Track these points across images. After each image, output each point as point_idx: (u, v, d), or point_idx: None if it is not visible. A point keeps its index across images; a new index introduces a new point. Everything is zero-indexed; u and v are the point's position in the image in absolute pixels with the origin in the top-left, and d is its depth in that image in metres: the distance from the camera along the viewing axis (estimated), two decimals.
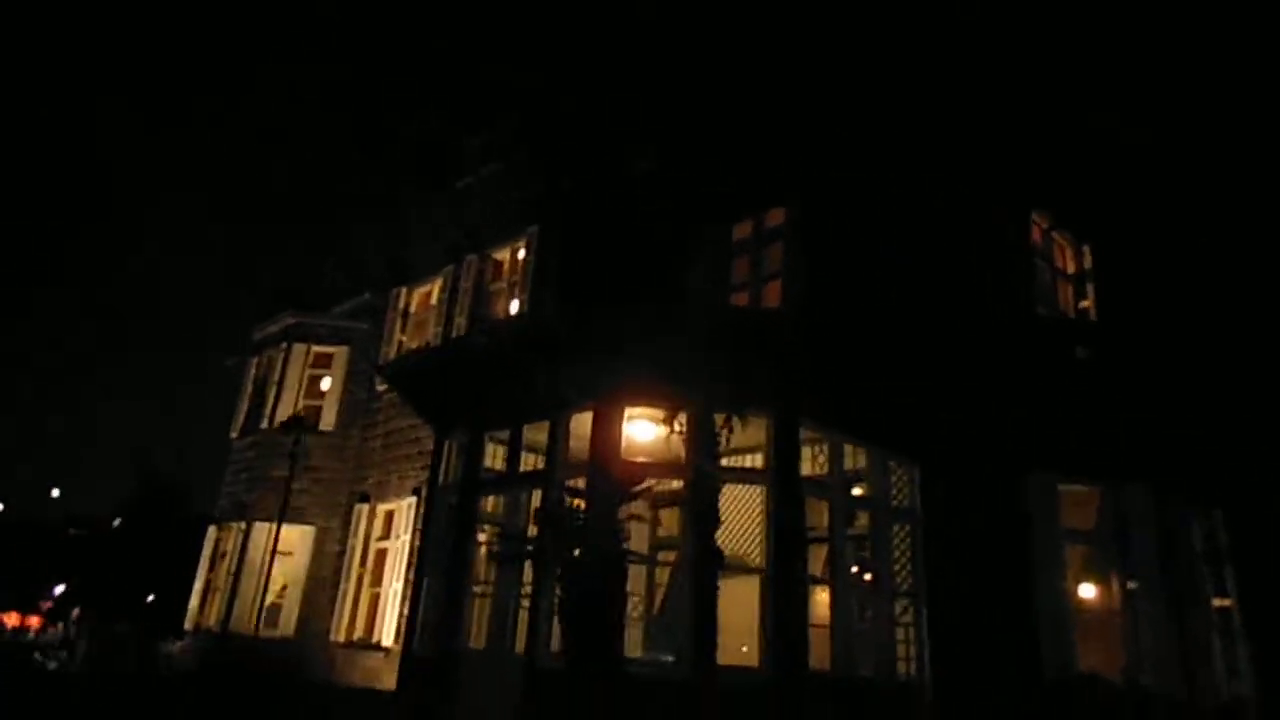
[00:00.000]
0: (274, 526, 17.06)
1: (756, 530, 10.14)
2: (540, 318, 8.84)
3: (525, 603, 8.30)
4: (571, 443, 8.74)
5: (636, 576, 12.29)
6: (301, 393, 18.36)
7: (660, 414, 7.99)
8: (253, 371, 19.47)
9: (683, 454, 8.04)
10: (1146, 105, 12.29)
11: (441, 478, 9.95)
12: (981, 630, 9.31)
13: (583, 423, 8.49)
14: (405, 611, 10.89)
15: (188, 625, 18.28)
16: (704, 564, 6.99)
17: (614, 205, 12.55)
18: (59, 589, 34.58)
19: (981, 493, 9.76)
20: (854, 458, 9.83)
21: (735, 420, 7.61)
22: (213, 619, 17.37)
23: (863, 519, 9.78)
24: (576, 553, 7.04)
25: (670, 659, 7.84)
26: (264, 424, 18.17)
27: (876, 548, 9.24)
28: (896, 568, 9.47)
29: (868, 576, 9.70)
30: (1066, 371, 10.84)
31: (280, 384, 18.35)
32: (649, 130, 12.78)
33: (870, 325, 9.46)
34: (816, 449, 9.62)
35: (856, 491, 9.60)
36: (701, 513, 7.14)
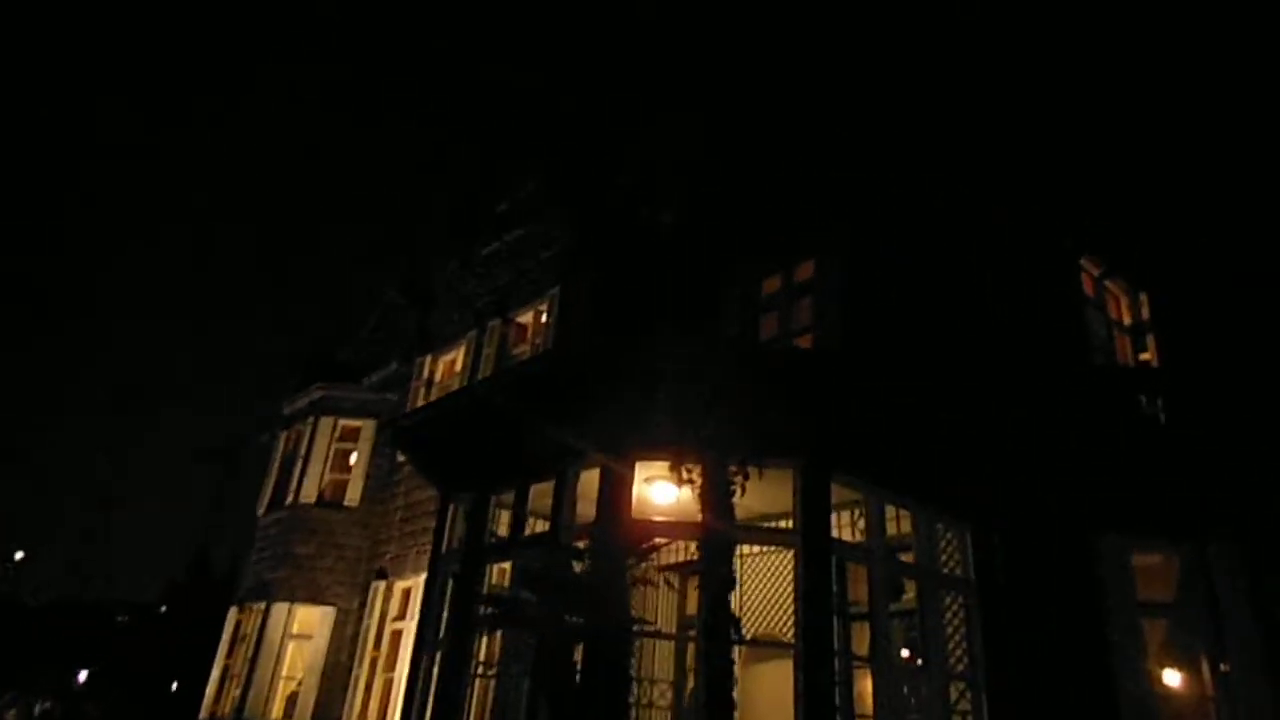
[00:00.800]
0: (292, 607, 16.43)
1: (788, 605, 9.08)
2: (543, 360, 8.07)
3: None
4: (580, 506, 7.88)
5: (664, 659, 11.19)
6: (328, 467, 17.78)
7: (673, 469, 7.09)
8: (281, 446, 18.97)
9: (699, 514, 7.09)
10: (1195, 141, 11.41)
11: (444, 545, 9.10)
12: (1052, 718, 8.02)
13: (592, 483, 7.64)
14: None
15: (203, 715, 17.36)
16: (715, 636, 5.96)
17: (637, 260, 11.92)
18: (83, 675, 34.02)
19: (1044, 558, 8.58)
20: (897, 524, 8.78)
21: (752, 470, 6.65)
22: (228, 708, 16.45)
23: (910, 593, 8.66)
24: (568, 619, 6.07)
25: None
26: (289, 499, 17.54)
27: (926, 622, 8.07)
28: (950, 646, 8.27)
29: (917, 660, 8.52)
30: (1132, 424, 9.71)
31: (307, 459, 17.80)
32: (673, 183, 12.20)
33: (910, 371, 8.50)
34: (856, 512, 8.61)
35: (902, 559, 8.50)
36: (713, 576, 6.14)
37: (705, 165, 12.18)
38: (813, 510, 7.26)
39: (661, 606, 11.52)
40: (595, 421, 7.54)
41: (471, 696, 8.22)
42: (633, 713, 10.40)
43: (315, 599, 16.57)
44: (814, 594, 7.05)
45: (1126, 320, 11.35)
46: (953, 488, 8.61)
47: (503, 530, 8.61)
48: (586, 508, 7.68)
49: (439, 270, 16.65)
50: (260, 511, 18.57)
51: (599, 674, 6.22)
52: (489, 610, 7.08)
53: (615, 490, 7.18)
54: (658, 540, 6.84)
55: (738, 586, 10.35)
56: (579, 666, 6.03)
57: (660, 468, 7.73)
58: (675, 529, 7.32)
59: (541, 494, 8.23)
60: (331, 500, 17.40)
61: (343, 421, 18.00)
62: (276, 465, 18.79)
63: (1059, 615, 8.32)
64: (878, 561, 7.81)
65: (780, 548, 9.96)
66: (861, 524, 8.27)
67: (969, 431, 8.72)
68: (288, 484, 17.94)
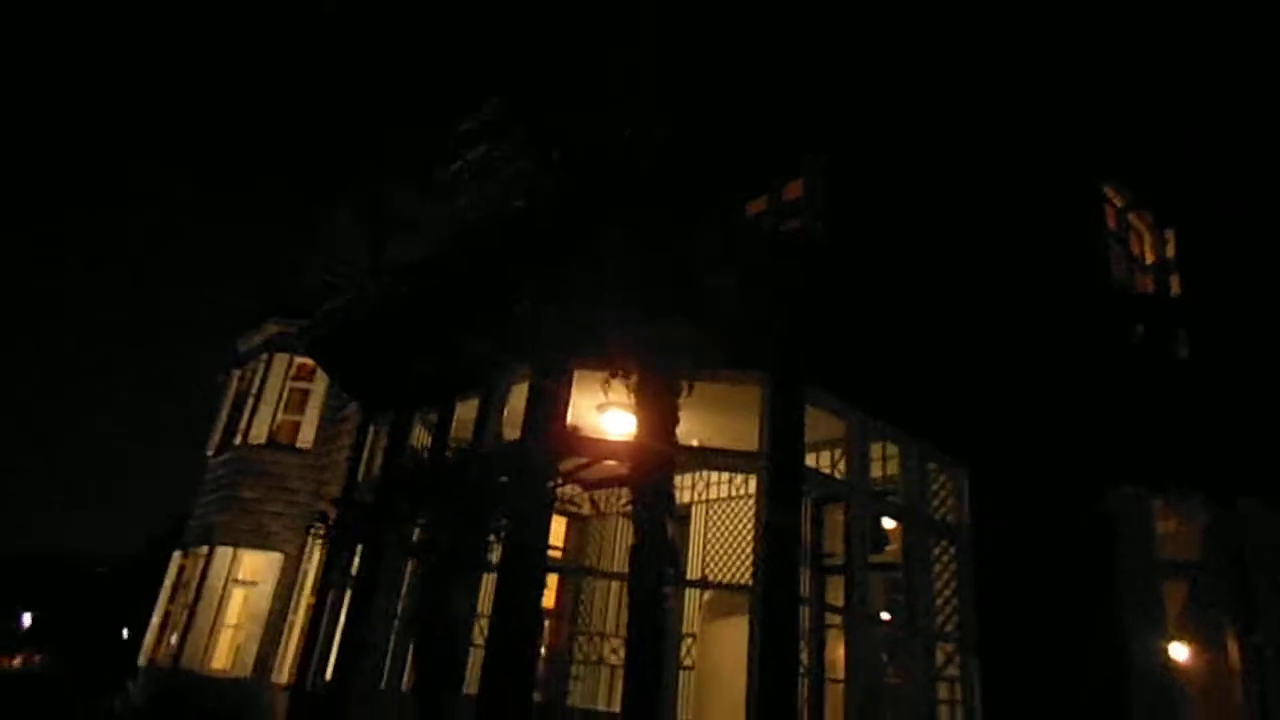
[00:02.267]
0: (237, 552, 15.21)
1: (751, 556, 7.86)
2: (462, 244, 6.73)
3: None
4: (508, 430, 6.58)
5: (617, 609, 9.95)
6: (281, 407, 16.44)
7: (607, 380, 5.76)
8: (235, 385, 17.64)
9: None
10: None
11: (361, 472, 7.79)
12: (1053, 690, 6.77)
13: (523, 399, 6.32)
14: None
15: (141, 661, 16.17)
16: (645, 571, 4.65)
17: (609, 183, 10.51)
18: (26, 620, 32.94)
19: (1050, 509, 7.28)
20: (883, 467, 7.49)
21: (706, 382, 5.30)
22: (165, 655, 15.25)
23: (894, 545, 7.38)
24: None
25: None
26: (238, 440, 16.23)
27: (912, 575, 6.79)
28: (938, 602, 7.00)
29: (886, 616, 7.30)
30: (1155, 364, 8.39)
31: (259, 398, 16.47)
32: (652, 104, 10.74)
33: (905, 282, 7.14)
34: (836, 453, 7.32)
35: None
36: (647, 497, 4.82)
37: (689, 80, 10.72)
38: (783, 430, 5.95)
39: (615, 551, 10.31)
40: (525, 326, 6.20)
41: (388, 642, 6.94)
42: (572, 670, 9.20)
43: (262, 544, 15.32)
44: (780, 531, 5.76)
45: (1149, 259, 10.01)
46: (949, 423, 7.30)
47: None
48: (514, 431, 6.38)
49: (397, 194, 15.21)
50: (209, 453, 17.29)
51: (505, 615, 4.96)
52: (353, 523, 5.76)
53: (545, 400, 5.86)
54: (579, 461, 5.51)
55: (692, 534, 9.24)
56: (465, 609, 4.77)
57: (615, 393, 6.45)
58: (609, 447, 6.00)
59: (469, 413, 6.91)
60: (283, 442, 16.10)
61: (298, 360, 16.66)
62: (228, 405, 17.48)
63: (1065, 573, 7.04)
64: (858, 499, 6.51)
65: (745, 497, 8.76)
66: (842, 466, 6.99)
67: (970, 359, 7.40)
68: (238, 424, 16.65)
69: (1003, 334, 7.54)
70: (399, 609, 6.43)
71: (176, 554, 16.67)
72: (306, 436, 16.05)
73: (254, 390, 16.56)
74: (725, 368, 5.92)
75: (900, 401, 6.90)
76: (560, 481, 5.35)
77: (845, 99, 9.61)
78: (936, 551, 7.13)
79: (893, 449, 7.38)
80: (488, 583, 5.82)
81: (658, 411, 5.30)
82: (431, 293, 6.65)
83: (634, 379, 5.53)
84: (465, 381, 6.83)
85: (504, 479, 5.02)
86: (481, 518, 4.77)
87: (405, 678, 5.90)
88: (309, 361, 16.55)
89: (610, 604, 10.02)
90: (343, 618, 7.00)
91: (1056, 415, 7.48)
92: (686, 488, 9.10)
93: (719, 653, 8.48)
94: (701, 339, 5.64)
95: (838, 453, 7.22)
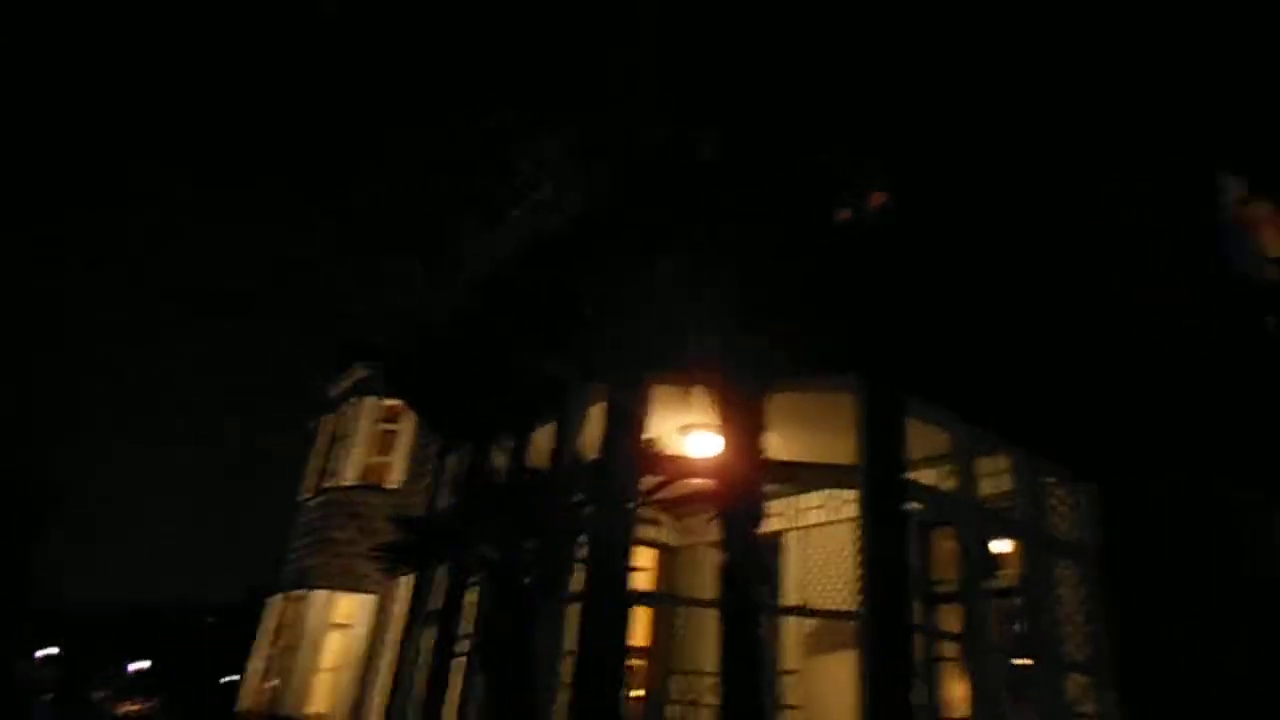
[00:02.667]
0: (332, 595, 15.24)
1: (853, 582, 7.26)
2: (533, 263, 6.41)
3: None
4: (586, 454, 6.21)
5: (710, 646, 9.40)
6: (370, 449, 16.55)
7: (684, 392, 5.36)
8: (324, 430, 17.88)
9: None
10: None
11: (441, 503, 7.54)
12: None
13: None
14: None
15: (240, 707, 16.27)
16: (735, 598, 4.16)
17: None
18: (132, 668, 33.96)
19: (1185, 518, 6.50)
20: (995, 481, 6.83)
21: (791, 393, 4.85)
22: (266, 700, 15.30)
23: (1009, 568, 6.69)
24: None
25: None
26: (329, 482, 16.37)
27: (1034, 599, 6.10)
28: (1068, 629, 6.28)
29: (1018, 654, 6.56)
30: None
31: (348, 441, 16.63)
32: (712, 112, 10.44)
33: (1011, 283, 6.48)
34: (938, 473, 6.69)
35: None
36: (735, 514, 4.36)
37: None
38: (882, 440, 5.41)
39: (706, 584, 9.78)
40: (598, 341, 5.87)
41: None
42: (667, 711, 8.69)
43: (355, 586, 15.30)
44: (885, 552, 5.20)
45: (1275, 250, 9.14)
46: (1064, 431, 6.61)
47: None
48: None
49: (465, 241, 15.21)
50: (302, 496, 17.50)
51: (588, 650, 4.54)
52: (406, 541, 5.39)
53: (621, 418, 5.48)
54: (669, 478, 5.08)
55: (788, 563, 8.64)
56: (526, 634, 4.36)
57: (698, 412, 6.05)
58: (692, 464, 5.56)
59: (546, 441, 6.58)
60: (372, 482, 16.16)
61: (386, 402, 16.79)
62: (319, 450, 17.72)
63: (1219, 594, 6.25)
64: (969, 517, 5.89)
65: (843, 521, 8.16)
66: (945, 486, 6.36)
67: (1085, 362, 6.71)
68: (328, 467, 16.84)
69: (1120, 333, 6.85)
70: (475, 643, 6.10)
71: (276, 598, 16.82)
72: (394, 476, 16.07)
73: (343, 433, 16.74)
74: (816, 374, 5.45)
75: (1009, 409, 6.27)
76: (641, 500, 4.94)
77: (938, 80, 9.08)
78: (1059, 574, 6.42)
79: (1000, 464, 6.72)
80: (572, 617, 5.44)
81: (743, 422, 4.86)
82: (498, 310, 6.38)
83: (717, 391, 5.11)
84: (540, 406, 6.50)
85: (581, 497, 4.65)
86: (558, 539, 4.40)
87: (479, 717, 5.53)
88: (396, 403, 16.65)
89: (707, 640, 9.49)
90: (423, 655, 6.70)
91: (1184, 417, 6.72)
92: (778, 514, 8.57)
93: (824, 691, 7.87)
94: (788, 343, 5.21)
95: (939, 471, 6.60)
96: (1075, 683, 6.20)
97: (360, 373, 16.97)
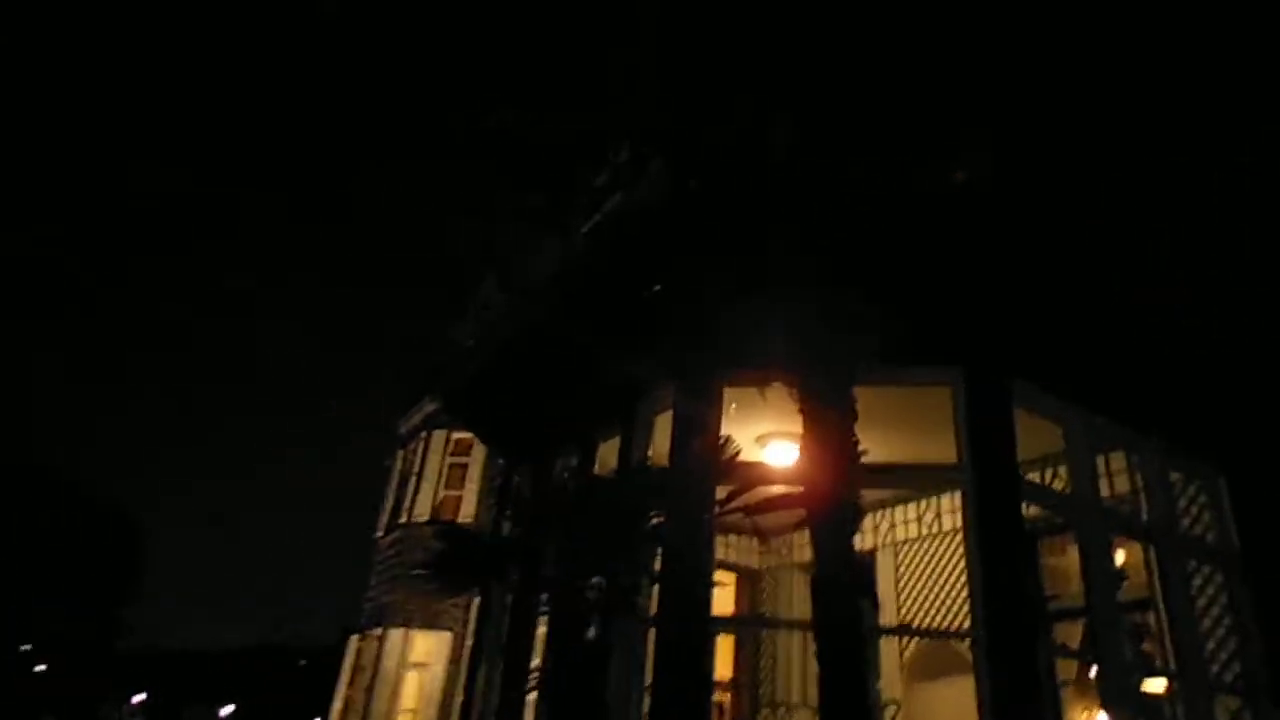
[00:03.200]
0: (409, 633, 14.94)
1: (960, 601, 6.55)
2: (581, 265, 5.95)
3: None
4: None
5: (803, 675, 8.69)
6: (442, 483, 16.31)
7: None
8: (398, 465, 17.73)
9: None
10: None
11: (504, 529, 7.09)
12: None
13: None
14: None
15: None
16: (837, 612, 3.58)
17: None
18: (224, 711, 34.13)
19: None
20: (1112, 482, 6.08)
21: (885, 387, 4.26)
22: None
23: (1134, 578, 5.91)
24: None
25: None
26: (403, 519, 16.15)
27: (1171, 610, 5.33)
28: (1211, 645, 5.48)
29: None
30: None
31: (420, 475, 16.41)
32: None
33: (1125, 252, 5.78)
34: (1048, 473, 5.98)
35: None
36: (830, 526, 3.78)
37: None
38: (987, 434, 4.77)
39: (793, 609, 9.09)
40: (666, 340, 5.38)
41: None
42: None
43: (431, 624, 14.96)
44: (1000, 560, 4.55)
45: None
46: (1192, 420, 5.85)
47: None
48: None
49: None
50: (378, 534, 17.33)
51: (665, 680, 4.00)
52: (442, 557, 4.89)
53: (693, 422, 4.97)
54: (745, 487, 4.51)
55: (880, 583, 7.92)
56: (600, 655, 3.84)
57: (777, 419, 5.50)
58: (773, 471, 4.99)
59: (611, 452, 6.10)
60: (445, 518, 15.88)
61: (455, 435, 16.56)
62: (393, 486, 17.57)
63: None
64: (1092, 520, 5.17)
65: (942, 535, 7.47)
66: (1060, 482, 5.65)
67: (1212, 340, 5.94)
68: (403, 503, 16.64)
69: (1251, 306, 6.05)
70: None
71: (354, 638, 16.61)
72: (467, 510, 15.76)
73: (415, 469, 16.53)
74: (912, 364, 4.86)
75: (1127, 396, 5.55)
76: (719, 511, 4.40)
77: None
78: (1199, 582, 5.63)
79: (1116, 463, 5.99)
80: (649, 646, 4.91)
81: (831, 421, 4.29)
82: (560, 312, 5.95)
83: (799, 388, 4.55)
84: (605, 414, 6.04)
85: (651, 511, 4.15)
86: (628, 555, 3.90)
87: None
88: (467, 435, 16.40)
89: (795, 669, 8.80)
90: (492, 690, 6.23)
91: None
92: (868, 530, 7.89)
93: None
94: (880, 330, 4.63)
95: (1050, 472, 5.89)
96: (1224, 706, 5.38)
97: (430, 406, 16.79)
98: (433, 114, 6.14)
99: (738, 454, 4.43)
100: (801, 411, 4.51)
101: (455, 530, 5.22)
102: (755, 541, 9.36)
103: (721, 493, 4.51)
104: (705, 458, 4.53)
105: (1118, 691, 4.83)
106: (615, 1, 6.61)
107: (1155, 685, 5.45)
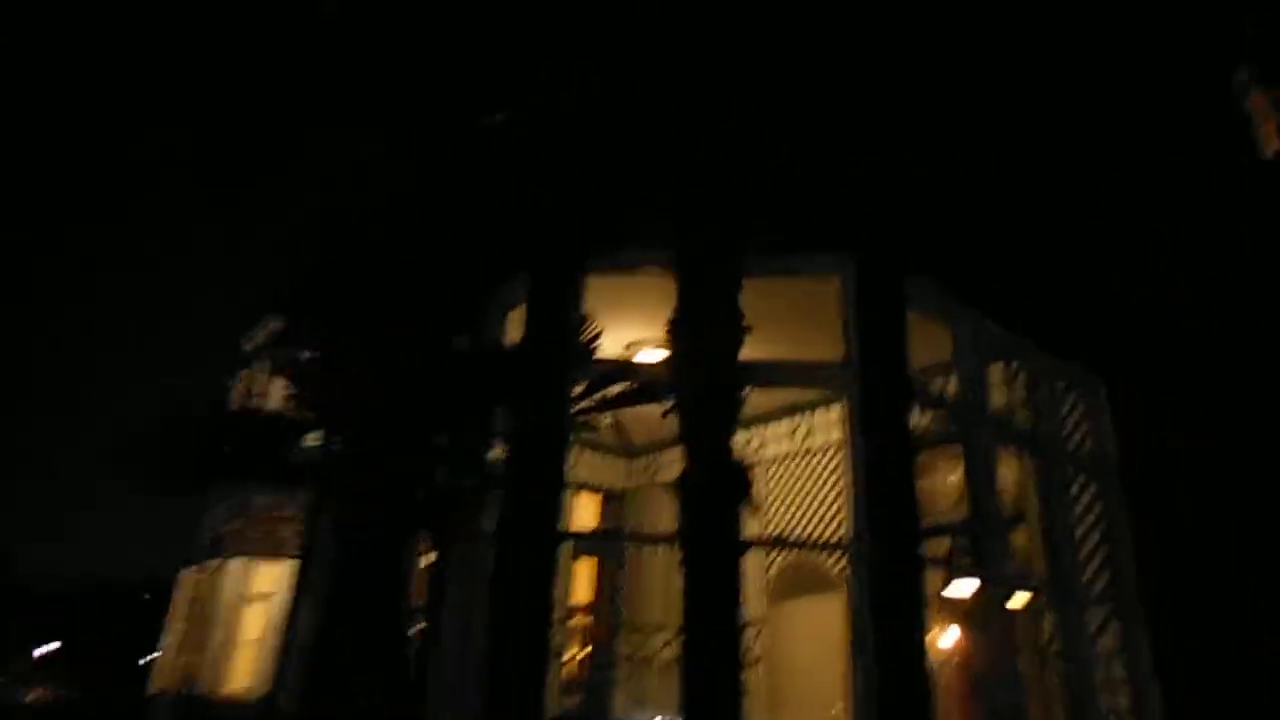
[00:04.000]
0: (249, 563, 13.74)
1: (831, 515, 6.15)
2: None
3: None
4: None
5: (666, 597, 8.23)
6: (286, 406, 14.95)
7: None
8: (240, 387, 16.18)
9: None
10: None
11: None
12: (1245, 659, 4.99)
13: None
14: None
15: (154, 688, 14.73)
16: (709, 516, 2.96)
17: None
18: (39, 651, 31.80)
19: (1223, 426, 5.49)
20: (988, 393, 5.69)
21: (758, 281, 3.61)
22: (178, 679, 13.78)
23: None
24: None
25: None
26: None
27: (1050, 519, 5.02)
28: (1082, 557, 5.23)
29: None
30: None
31: (264, 398, 15.00)
32: None
33: (1016, 140, 5.30)
34: (941, 380, 5.51)
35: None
36: (703, 416, 3.13)
37: None
38: (877, 332, 4.22)
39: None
40: (527, 233, 4.54)
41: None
42: (615, 673, 7.53)
43: (276, 552, 13.81)
44: (886, 468, 4.04)
45: None
46: (1075, 328, 5.53)
47: None
48: None
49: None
50: None
51: (511, 600, 3.29)
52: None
53: (546, 308, 4.18)
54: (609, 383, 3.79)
55: (761, 503, 7.50)
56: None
57: (642, 324, 4.78)
58: (641, 368, 4.28)
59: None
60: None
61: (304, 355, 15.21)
62: (235, 408, 16.07)
63: (1249, 513, 5.25)
64: (980, 430, 4.75)
65: (815, 451, 7.03)
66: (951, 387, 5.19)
67: (1100, 244, 5.61)
68: None
69: (1138, 210, 5.75)
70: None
71: (190, 570, 15.23)
72: (316, 434, 14.57)
73: (259, 391, 15.12)
74: (799, 249, 4.21)
75: (1014, 301, 5.14)
76: (579, 406, 3.66)
77: None
78: (1073, 492, 5.36)
79: (995, 373, 5.61)
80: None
81: (709, 313, 3.59)
82: (409, 202, 4.98)
83: (674, 279, 3.81)
84: (457, 309, 5.15)
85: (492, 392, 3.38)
86: (464, 446, 3.14)
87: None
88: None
89: (659, 591, 8.32)
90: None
91: (1214, 311, 5.68)
92: (739, 445, 7.40)
93: (793, 640, 6.78)
94: (764, 217, 3.94)
95: (938, 381, 5.44)
96: (1094, 616, 5.17)
97: (276, 325, 15.33)
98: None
99: (598, 336, 3.68)
100: (679, 304, 3.80)
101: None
102: (620, 462, 8.77)
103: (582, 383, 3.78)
104: (561, 344, 3.77)
105: (995, 607, 4.47)
106: None
107: (1018, 600, 5.19)
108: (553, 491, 3.75)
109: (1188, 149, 6.00)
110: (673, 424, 3.80)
